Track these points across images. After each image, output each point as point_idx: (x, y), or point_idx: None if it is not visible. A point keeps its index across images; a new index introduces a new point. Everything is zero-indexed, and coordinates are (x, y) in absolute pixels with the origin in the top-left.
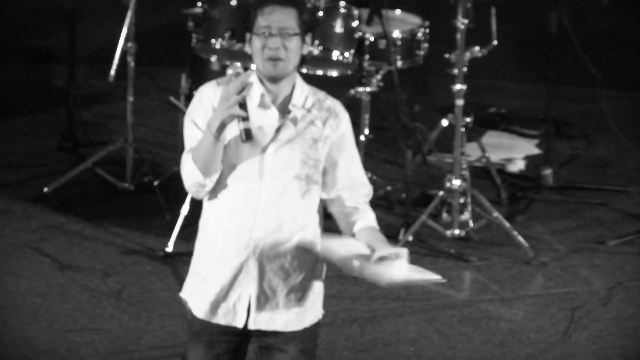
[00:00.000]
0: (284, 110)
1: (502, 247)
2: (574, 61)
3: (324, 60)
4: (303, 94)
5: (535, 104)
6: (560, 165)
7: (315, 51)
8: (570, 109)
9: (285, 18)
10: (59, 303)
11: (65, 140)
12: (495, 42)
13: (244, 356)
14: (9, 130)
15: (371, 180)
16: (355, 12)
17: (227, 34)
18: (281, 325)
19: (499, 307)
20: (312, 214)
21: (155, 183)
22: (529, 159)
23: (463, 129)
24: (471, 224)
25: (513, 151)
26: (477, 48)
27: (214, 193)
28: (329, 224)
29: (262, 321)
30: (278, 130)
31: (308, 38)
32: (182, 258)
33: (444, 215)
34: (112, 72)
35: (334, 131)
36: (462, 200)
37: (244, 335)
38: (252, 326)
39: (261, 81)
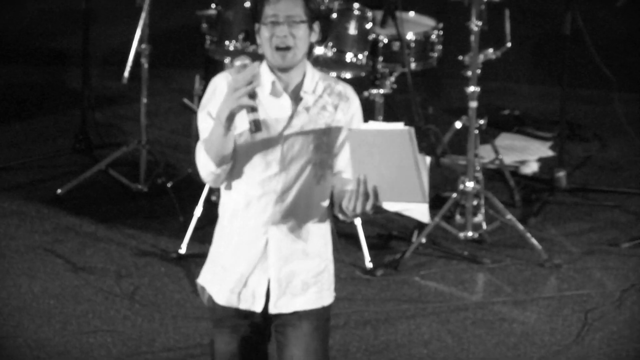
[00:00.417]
0: (296, 97)
1: (516, 250)
2: (588, 63)
3: (338, 62)
4: (314, 80)
5: (549, 106)
6: (574, 167)
7: (329, 53)
8: (584, 111)
9: (292, 6)
10: (73, 304)
11: (79, 142)
12: (509, 44)
13: (270, 336)
14: (23, 132)
15: None
16: (369, 14)
17: (240, 36)
18: (299, 306)
19: (512, 309)
20: (327, 198)
21: (169, 185)
22: (542, 161)
23: (477, 131)
24: (484, 226)
25: (527, 153)
26: (490, 50)
27: (230, 182)
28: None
29: (282, 305)
30: (291, 117)
31: (316, 26)
32: (196, 260)
33: (458, 217)
34: (126, 73)
35: (345, 114)
36: (475, 203)
37: (265, 317)
38: (272, 310)
39: (272, 70)
